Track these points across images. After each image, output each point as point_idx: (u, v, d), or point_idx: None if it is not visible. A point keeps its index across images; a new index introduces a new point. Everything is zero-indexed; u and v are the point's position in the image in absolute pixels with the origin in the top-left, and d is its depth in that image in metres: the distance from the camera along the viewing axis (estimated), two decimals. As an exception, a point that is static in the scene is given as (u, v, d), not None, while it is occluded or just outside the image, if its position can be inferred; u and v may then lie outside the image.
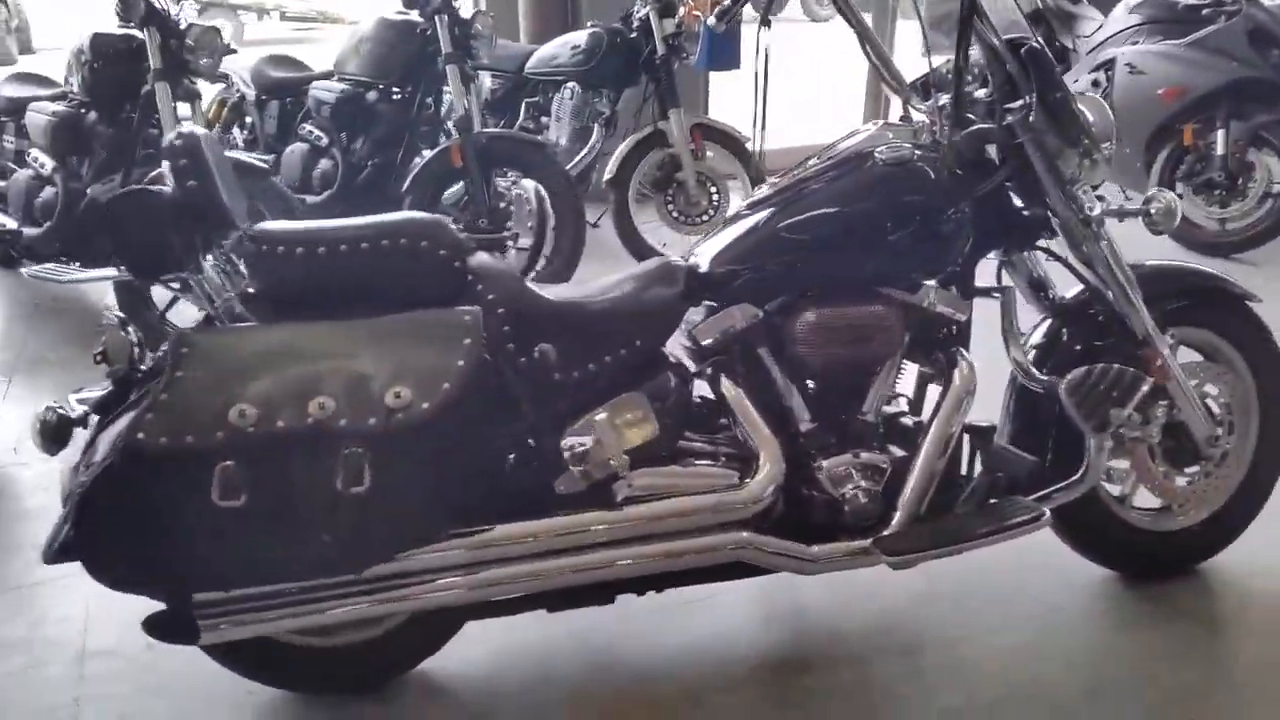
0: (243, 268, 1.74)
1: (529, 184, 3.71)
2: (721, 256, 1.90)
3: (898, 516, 1.89)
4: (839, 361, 1.90)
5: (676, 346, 1.95)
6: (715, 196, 4.24)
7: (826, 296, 1.88)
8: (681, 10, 4.14)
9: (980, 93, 1.98)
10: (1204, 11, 4.38)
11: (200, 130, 1.83)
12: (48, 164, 3.80)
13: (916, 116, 2.00)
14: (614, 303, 1.86)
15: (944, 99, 1.94)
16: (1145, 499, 2.18)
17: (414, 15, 3.93)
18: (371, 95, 4.06)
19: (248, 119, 4.62)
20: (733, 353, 1.90)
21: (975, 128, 1.94)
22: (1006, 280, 2.08)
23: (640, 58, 4.26)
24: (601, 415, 1.77)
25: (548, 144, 4.01)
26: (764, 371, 1.91)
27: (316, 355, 1.61)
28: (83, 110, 3.75)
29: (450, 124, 3.98)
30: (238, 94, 4.60)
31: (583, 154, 4.31)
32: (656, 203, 4.24)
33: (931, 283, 1.92)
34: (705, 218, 4.24)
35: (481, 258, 1.81)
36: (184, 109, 3.53)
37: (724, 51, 4.71)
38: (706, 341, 1.89)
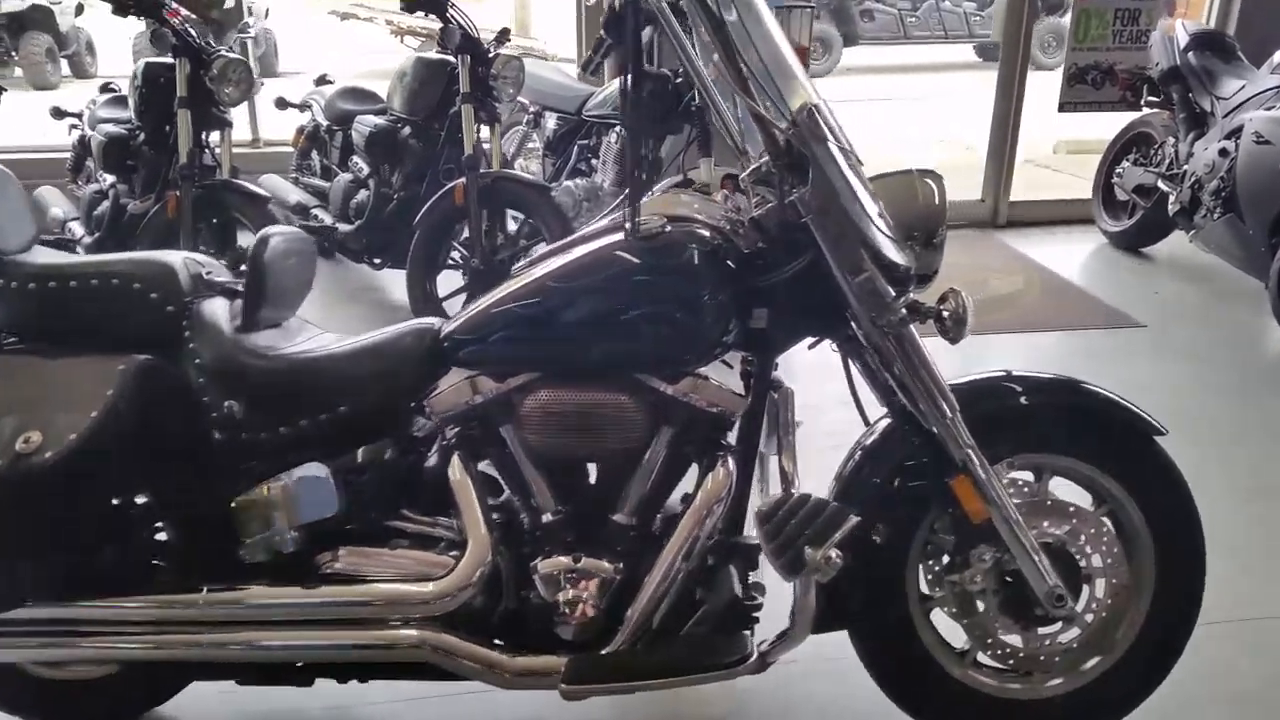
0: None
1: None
2: (472, 322, 1.72)
3: (620, 636, 1.65)
4: (572, 452, 1.69)
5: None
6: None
7: (564, 377, 1.67)
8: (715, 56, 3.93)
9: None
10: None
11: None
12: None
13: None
14: (336, 362, 1.73)
15: (756, 163, 1.70)
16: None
17: (448, 54, 3.96)
18: (405, 130, 4.12)
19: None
20: (473, 429, 1.72)
21: (769, 205, 1.68)
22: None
23: (681, 105, 4.09)
24: (276, 484, 1.65)
25: (549, 187, 3.92)
26: (506, 454, 1.72)
27: (17, 384, 1.59)
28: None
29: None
30: (313, 123, 4.81)
31: (605, 201, 4.20)
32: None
33: (704, 373, 1.68)
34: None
35: (206, 305, 1.74)
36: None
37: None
38: (441, 413, 1.73)
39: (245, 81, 3.68)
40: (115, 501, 1.63)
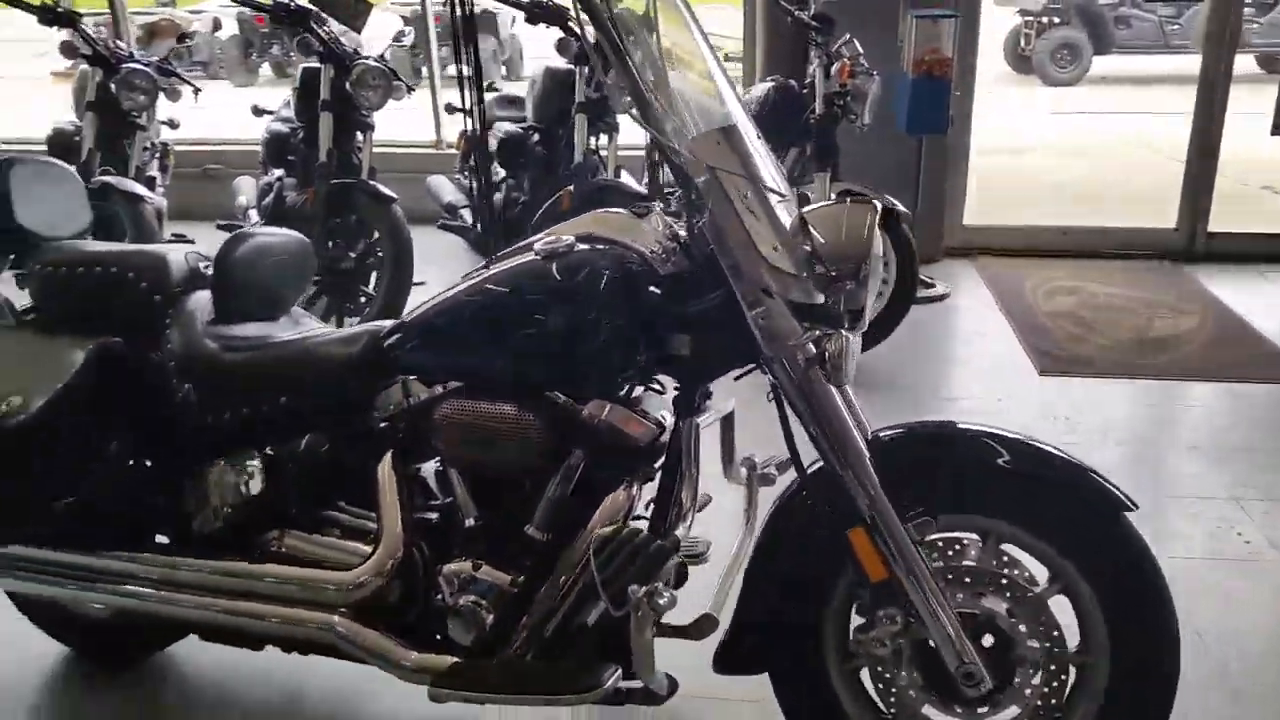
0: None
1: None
2: (405, 327, 1.76)
3: (508, 647, 1.66)
4: (479, 463, 1.71)
5: None
6: (848, 271, 3.84)
7: (482, 390, 1.70)
8: (835, 66, 3.80)
9: None
10: None
11: (21, 157, 2.13)
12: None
13: None
14: (284, 356, 1.84)
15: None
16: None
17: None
18: (534, 137, 4.26)
19: None
20: (405, 430, 1.79)
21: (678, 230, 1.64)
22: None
23: (803, 116, 3.99)
24: (218, 465, 1.79)
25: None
26: (432, 457, 1.78)
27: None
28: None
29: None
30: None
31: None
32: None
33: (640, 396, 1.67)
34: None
35: (191, 297, 1.91)
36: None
37: (929, 111, 4.28)
38: (379, 412, 1.80)
39: (384, 87, 3.91)
40: (79, 462, 1.82)
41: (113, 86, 4.14)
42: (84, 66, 4.29)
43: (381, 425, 1.79)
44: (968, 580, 1.60)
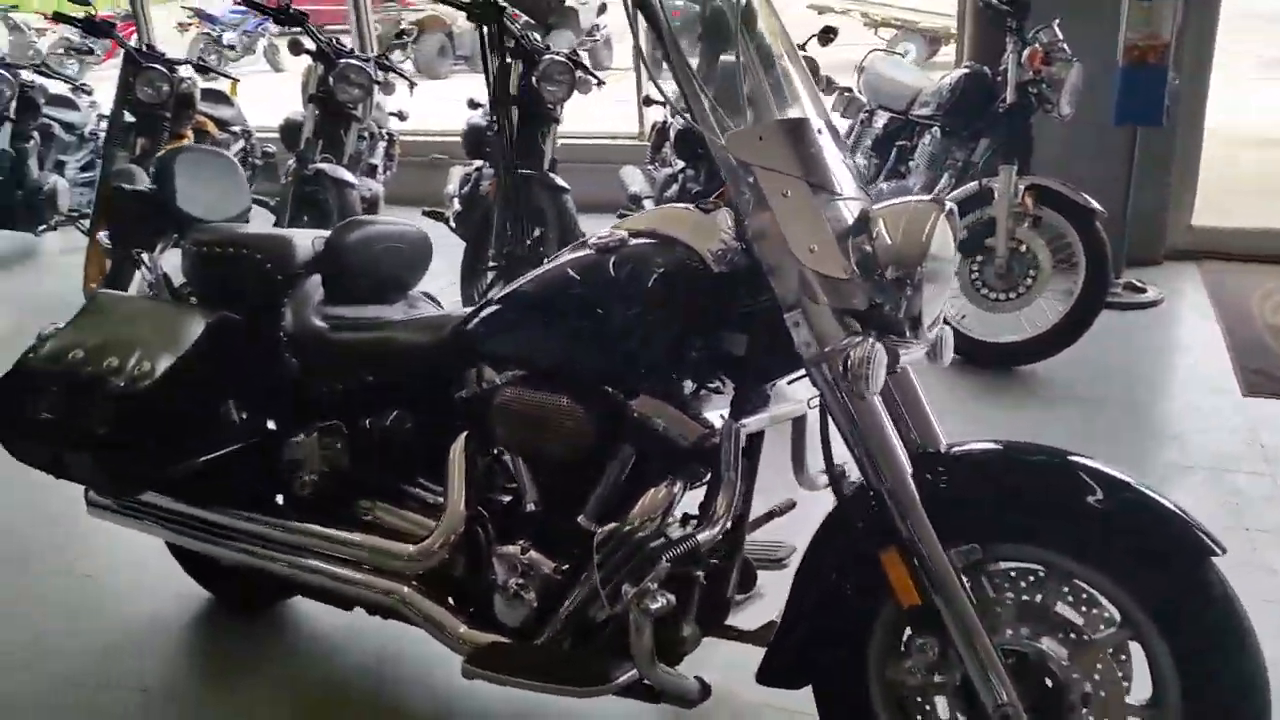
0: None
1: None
2: (477, 316, 1.82)
3: (546, 632, 1.69)
4: (531, 449, 1.74)
5: None
6: (1032, 272, 3.56)
7: (537, 379, 1.73)
8: (1025, 52, 3.52)
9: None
10: None
11: (189, 148, 2.37)
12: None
13: None
14: (375, 337, 1.95)
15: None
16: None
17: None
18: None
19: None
20: (476, 413, 1.86)
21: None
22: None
23: (994, 105, 3.74)
24: (302, 436, 1.93)
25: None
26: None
27: (134, 327, 2.04)
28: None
29: None
30: (664, 119, 5.04)
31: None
32: (961, 270, 3.70)
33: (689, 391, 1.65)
34: (1012, 295, 3.59)
35: (311, 280, 2.07)
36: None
37: (1142, 101, 3.90)
38: (459, 395, 1.88)
39: (569, 81, 3.95)
40: (199, 424, 2.01)
41: (331, 80, 4.51)
42: (309, 62, 4.68)
43: (459, 408, 1.87)
44: (1024, 616, 1.47)
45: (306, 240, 2.11)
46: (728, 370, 1.67)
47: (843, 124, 5.07)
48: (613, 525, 1.56)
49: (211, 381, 1.97)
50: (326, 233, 2.15)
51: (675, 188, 4.35)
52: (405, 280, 2.17)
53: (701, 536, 1.52)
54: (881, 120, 4.57)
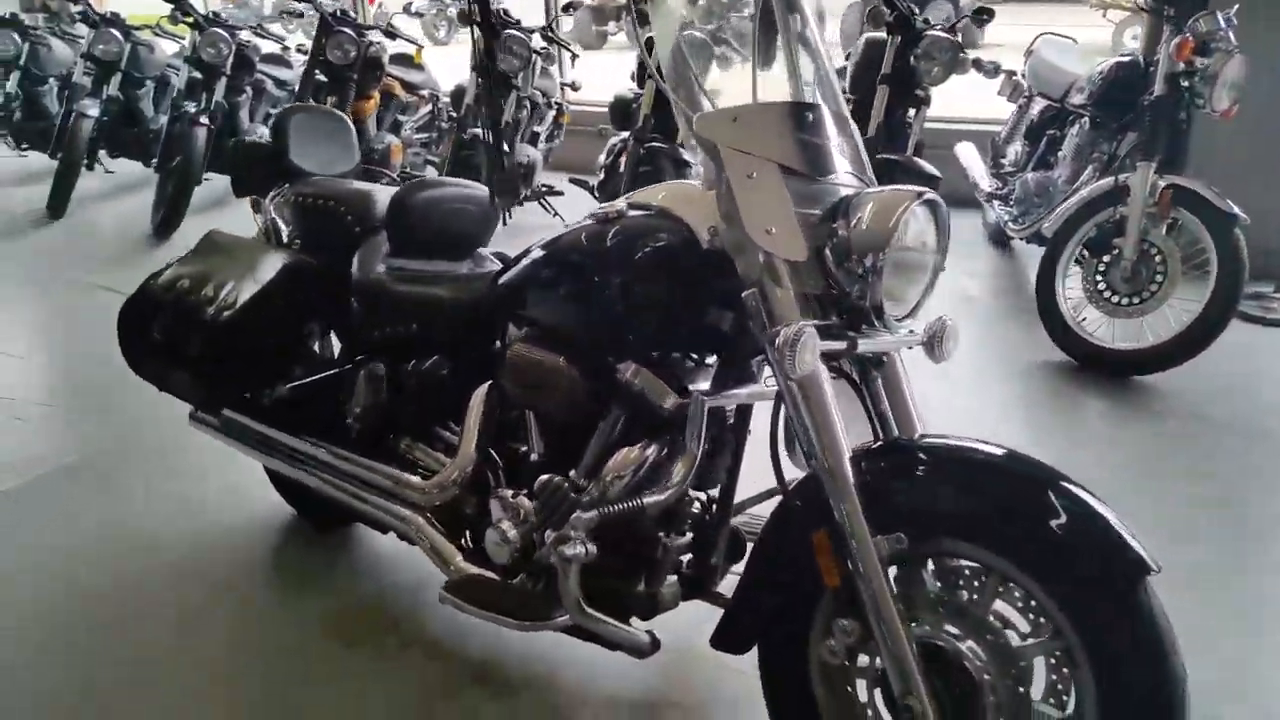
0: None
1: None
2: (506, 275, 1.95)
3: (525, 569, 1.82)
4: (531, 404, 1.87)
5: None
6: (1159, 277, 3.34)
7: (543, 338, 1.85)
8: (1176, 41, 3.27)
9: None
10: None
11: (304, 107, 2.61)
12: None
13: None
14: (425, 289, 2.12)
15: None
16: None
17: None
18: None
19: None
20: (503, 365, 2.00)
21: None
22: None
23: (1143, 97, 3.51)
24: (362, 373, 2.14)
25: (936, 176, 3.62)
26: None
27: (230, 264, 2.31)
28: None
29: None
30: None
31: (1060, 200, 3.77)
32: (1085, 271, 3.51)
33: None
34: (1135, 300, 3.38)
35: (384, 231, 2.27)
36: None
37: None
38: (494, 348, 2.03)
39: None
40: (273, 355, 2.26)
41: (493, 50, 4.77)
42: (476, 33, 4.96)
43: (489, 360, 2.02)
44: (953, 613, 1.47)
45: (385, 196, 2.31)
46: (715, 345, 1.73)
47: (1008, 109, 4.89)
48: (550, 475, 1.66)
49: (285, 317, 2.22)
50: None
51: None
52: (475, 238, 2.33)
53: (647, 500, 1.60)
54: (1038, 107, 4.39)
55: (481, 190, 2.35)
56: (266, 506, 2.72)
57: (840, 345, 1.50)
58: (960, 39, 3.76)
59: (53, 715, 1.99)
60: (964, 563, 1.48)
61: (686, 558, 1.84)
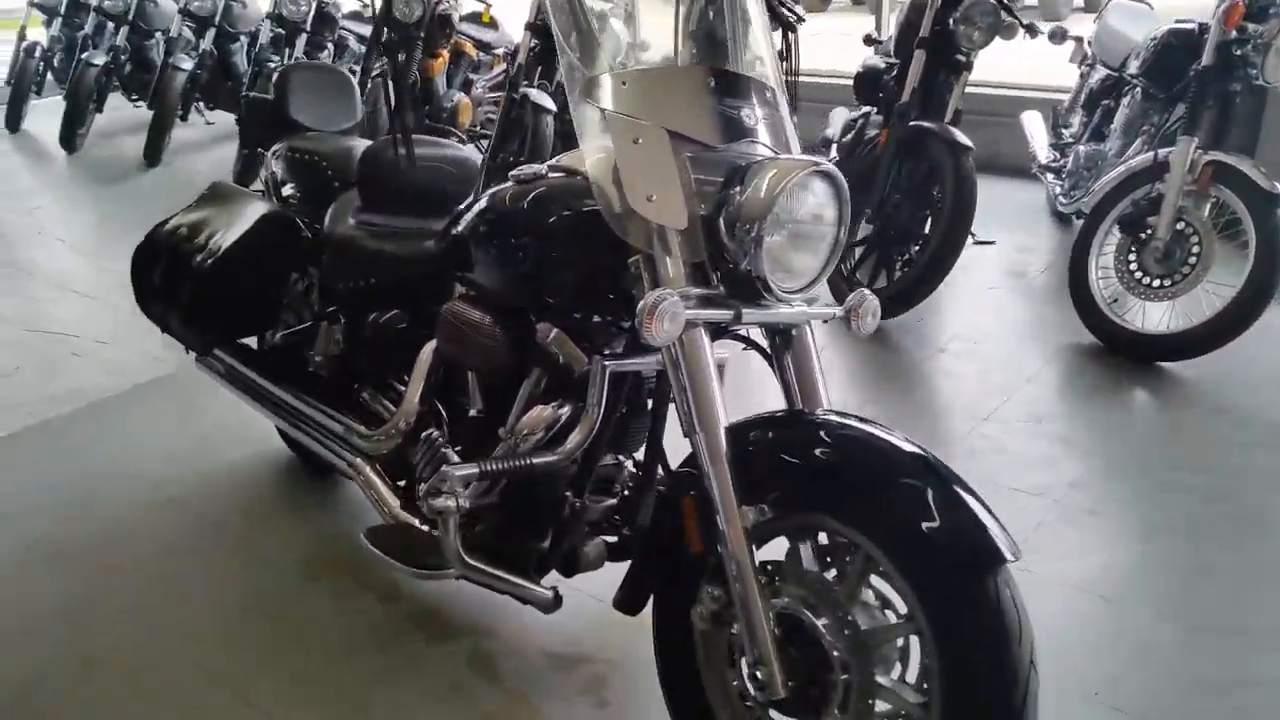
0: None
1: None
2: (451, 230, 1.95)
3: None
4: (457, 361, 1.92)
5: None
6: (1193, 257, 3.16)
7: (474, 298, 1.88)
8: (1224, 6, 3.07)
9: None
10: None
11: (307, 64, 2.70)
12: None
13: None
14: (383, 244, 2.17)
15: None
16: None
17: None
18: (892, 72, 4.03)
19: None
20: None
21: None
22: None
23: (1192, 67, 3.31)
24: (324, 324, 2.23)
25: (970, 149, 3.43)
26: None
27: (222, 214, 2.43)
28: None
29: None
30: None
31: (1104, 173, 3.60)
32: (1118, 248, 3.35)
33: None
34: (1166, 282, 3.22)
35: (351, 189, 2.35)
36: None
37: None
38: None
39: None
40: (253, 301, 2.38)
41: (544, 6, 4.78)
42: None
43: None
44: (816, 589, 1.47)
45: (369, 152, 2.38)
46: (630, 310, 1.74)
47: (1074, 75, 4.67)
48: (430, 430, 1.71)
49: (261, 267, 2.33)
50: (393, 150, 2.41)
51: (854, 131, 4.23)
52: (454, 196, 2.38)
53: (536, 460, 1.64)
54: (1099, 75, 4.18)
55: (463, 150, 2.40)
56: (271, 449, 2.86)
57: (724, 315, 1.49)
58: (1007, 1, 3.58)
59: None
60: (840, 540, 1.48)
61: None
